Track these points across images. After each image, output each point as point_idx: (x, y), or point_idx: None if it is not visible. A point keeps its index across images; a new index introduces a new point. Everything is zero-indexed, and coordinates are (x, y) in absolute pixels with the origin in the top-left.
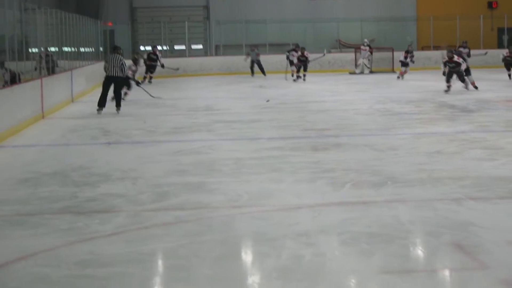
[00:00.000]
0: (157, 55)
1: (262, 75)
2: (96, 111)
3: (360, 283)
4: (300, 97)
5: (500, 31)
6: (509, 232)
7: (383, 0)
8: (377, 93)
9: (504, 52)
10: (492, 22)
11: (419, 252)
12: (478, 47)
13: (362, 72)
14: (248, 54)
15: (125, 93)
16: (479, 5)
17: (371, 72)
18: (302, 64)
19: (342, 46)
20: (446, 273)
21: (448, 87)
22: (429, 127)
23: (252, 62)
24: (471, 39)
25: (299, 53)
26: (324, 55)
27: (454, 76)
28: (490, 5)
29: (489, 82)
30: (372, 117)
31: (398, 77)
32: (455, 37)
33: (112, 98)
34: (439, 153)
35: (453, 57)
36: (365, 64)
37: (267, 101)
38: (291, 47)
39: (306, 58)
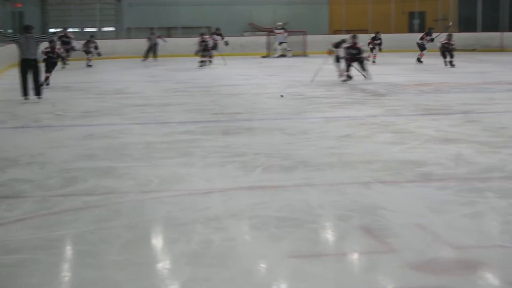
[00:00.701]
0: (69, 38)
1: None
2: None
3: (269, 267)
4: (212, 80)
5: (411, 15)
6: (416, 215)
7: None
8: (289, 77)
9: (441, 39)
10: (403, 6)
11: (328, 236)
12: (390, 31)
13: (284, 55)
14: (149, 38)
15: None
16: None
17: (293, 55)
18: (202, 49)
19: (255, 29)
20: (355, 256)
21: (348, 76)
22: (340, 111)
23: (152, 45)
24: (382, 23)
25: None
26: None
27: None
28: None
29: (400, 66)
30: (283, 101)
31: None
32: (367, 21)
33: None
34: (349, 137)
35: (356, 42)
36: (285, 48)
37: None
38: (203, 30)
39: (206, 42)
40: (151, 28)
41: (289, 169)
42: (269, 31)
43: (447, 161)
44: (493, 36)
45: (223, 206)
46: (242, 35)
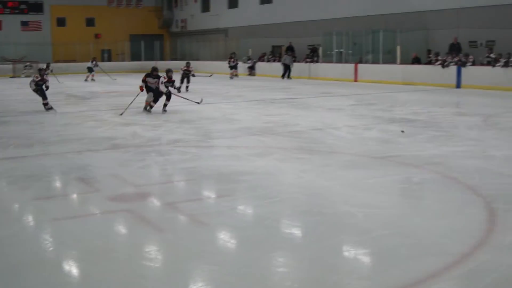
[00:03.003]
0: None
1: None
2: None
3: (19, 208)
4: None
5: (102, 51)
6: (111, 169)
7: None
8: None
9: (182, 66)
10: (97, 46)
11: (57, 184)
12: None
13: (29, 76)
14: None
15: None
16: (90, 35)
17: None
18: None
19: (4, 60)
20: (74, 196)
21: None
22: (64, 108)
23: None
24: (87, 56)
25: None
26: None
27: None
28: (96, 36)
29: (99, 83)
30: (33, 102)
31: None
32: (75, 54)
33: None
34: (70, 124)
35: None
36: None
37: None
38: None
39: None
40: None
41: (31, 146)
42: (14, 61)
43: (128, 136)
44: (150, 64)
45: None
46: None
